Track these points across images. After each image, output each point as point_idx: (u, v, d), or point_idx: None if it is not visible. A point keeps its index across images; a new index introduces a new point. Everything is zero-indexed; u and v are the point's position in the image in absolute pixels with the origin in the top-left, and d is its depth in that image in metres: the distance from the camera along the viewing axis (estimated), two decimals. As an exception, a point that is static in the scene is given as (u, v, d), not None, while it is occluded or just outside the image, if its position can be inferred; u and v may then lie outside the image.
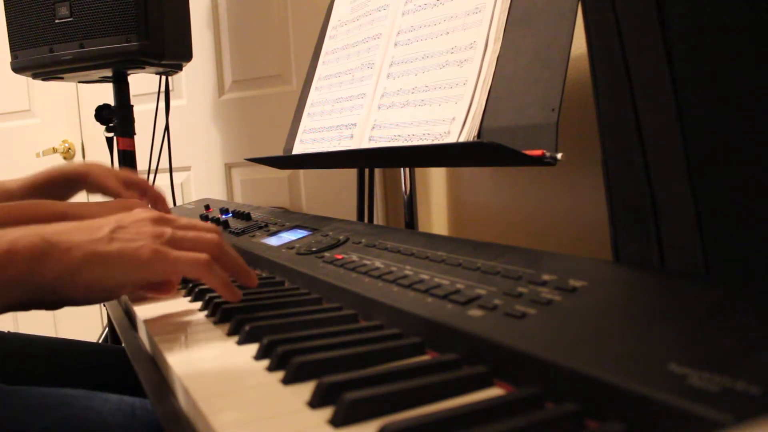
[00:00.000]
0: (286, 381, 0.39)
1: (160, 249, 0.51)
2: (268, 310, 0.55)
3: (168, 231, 0.53)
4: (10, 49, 1.40)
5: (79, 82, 1.63)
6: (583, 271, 0.43)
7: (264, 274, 0.73)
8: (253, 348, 0.46)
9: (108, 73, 1.45)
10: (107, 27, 1.30)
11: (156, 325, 0.56)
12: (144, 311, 0.62)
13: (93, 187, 0.96)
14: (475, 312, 0.42)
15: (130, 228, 0.52)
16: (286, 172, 1.79)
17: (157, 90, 1.65)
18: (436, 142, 0.77)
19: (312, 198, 1.78)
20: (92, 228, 0.50)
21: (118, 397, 0.64)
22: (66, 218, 0.73)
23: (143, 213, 0.54)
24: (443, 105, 0.78)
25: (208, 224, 0.58)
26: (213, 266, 0.53)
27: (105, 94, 1.52)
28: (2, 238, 0.45)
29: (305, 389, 0.37)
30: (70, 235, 0.49)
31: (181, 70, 1.51)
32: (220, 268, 0.55)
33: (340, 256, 0.65)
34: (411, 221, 1.24)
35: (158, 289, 0.59)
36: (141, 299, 0.67)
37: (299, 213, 1.00)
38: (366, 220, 1.45)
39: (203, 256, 0.52)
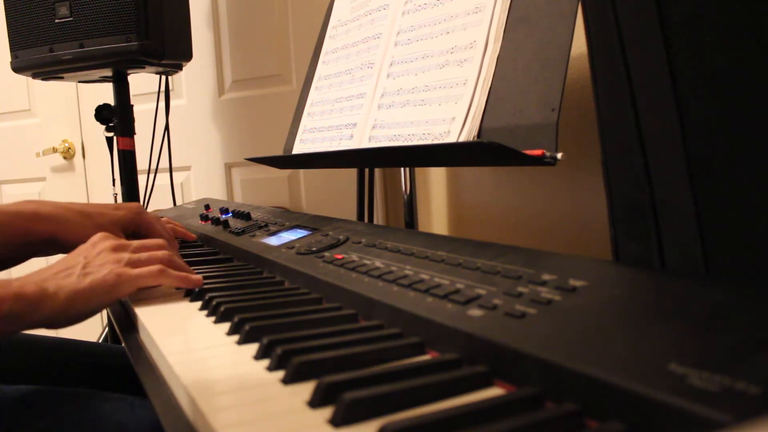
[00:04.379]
0: (286, 381, 0.39)
1: (123, 272, 0.61)
2: (268, 310, 0.55)
3: (125, 255, 0.64)
4: (10, 48, 1.40)
5: (79, 81, 1.63)
6: (583, 271, 0.43)
7: (264, 274, 0.73)
8: (253, 348, 0.46)
9: (108, 72, 1.44)
10: (107, 27, 1.30)
11: (156, 325, 0.56)
12: (145, 312, 0.62)
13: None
14: (475, 312, 0.42)
15: (95, 261, 0.62)
16: (286, 172, 1.79)
17: (157, 90, 1.65)
18: (436, 142, 0.77)
19: (312, 198, 1.78)
20: (68, 269, 0.61)
21: (118, 395, 0.64)
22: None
23: (103, 243, 0.65)
24: (443, 105, 0.78)
25: (157, 241, 0.70)
26: (168, 271, 0.64)
27: (105, 93, 1.52)
28: (12, 284, 0.55)
29: (305, 389, 0.37)
30: (56, 279, 0.59)
31: (181, 69, 1.51)
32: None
33: (340, 256, 0.65)
34: (411, 221, 1.24)
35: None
36: (142, 300, 0.67)
37: (299, 213, 1.00)
38: (366, 220, 1.45)
39: (157, 266, 0.64)
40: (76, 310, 0.58)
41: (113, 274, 0.60)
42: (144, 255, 0.65)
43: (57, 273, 0.61)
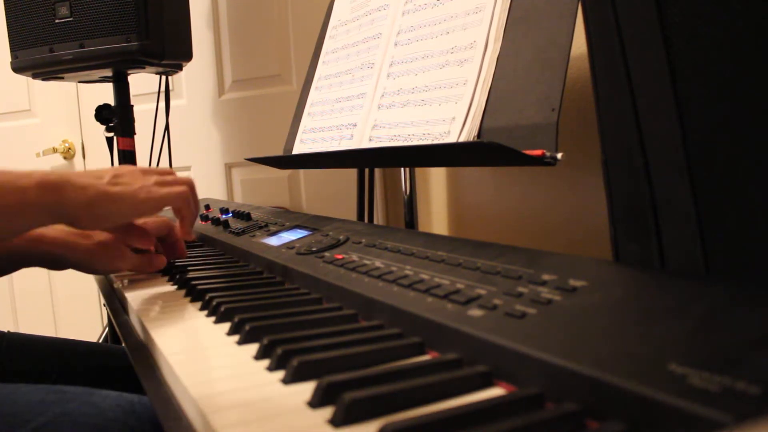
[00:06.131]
0: (286, 381, 0.39)
1: (152, 189, 0.66)
2: (268, 310, 0.55)
3: (153, 177, 0.68)
4: (10, 49, 1.40)
5: (79, 82, 1.63)
6: (583, 271, 0.43)
7: (264, 274, 0.73)
8: (253, 348, 0.46)
9: (108, 73, 1.45)
10: (107, 27, 1.30)
11: (156, 325, 0.56)
12: (145, 312, 0.62)
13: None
14: (475, 312, 0.42)
15: (125, 176, 0.66)
16: (286, 172, 1.79)
17: (157, 90, 1.65)
18: (436, 142, 0.77)
19: (312, 198, 1.78)
20: (97, 175, 0.64)
21: (118, 393, 0.64)
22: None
23: (130, 167, 0.69)
24: (443, 105, 0.78)
25: (182, 177, 0.73)
26: (190, 201, 0.71)
27: (105, 94, 1.52)
28: (34, 174, 0.56)
29: (305, 389, 0.37)
30: (83, 178, 0.62)
31: (181, 69, 1.51)
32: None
33: (340, 256, 0.65)
34: (411, 221, 1.24)
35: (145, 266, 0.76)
36: (142, 300, 0.67)
37: (299, 213, 1.00)
38: (366, 220, 1.45)
39: (184, 188, 0.70)
40: (104, 211, 0.61)
41: (144, 190, 0.65)
42: (170, 177, 0.70)
43: (86, 175, 0.63)
